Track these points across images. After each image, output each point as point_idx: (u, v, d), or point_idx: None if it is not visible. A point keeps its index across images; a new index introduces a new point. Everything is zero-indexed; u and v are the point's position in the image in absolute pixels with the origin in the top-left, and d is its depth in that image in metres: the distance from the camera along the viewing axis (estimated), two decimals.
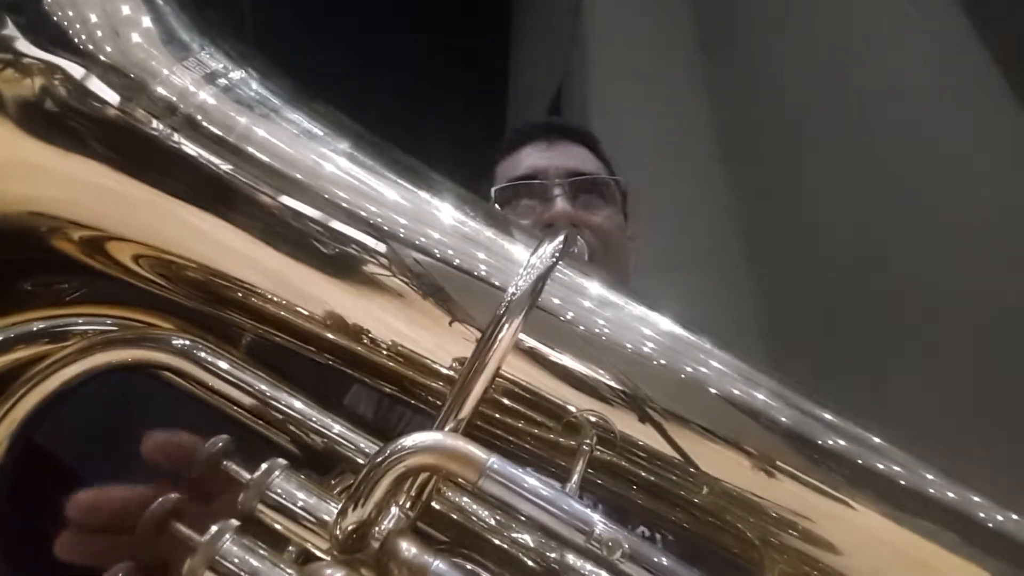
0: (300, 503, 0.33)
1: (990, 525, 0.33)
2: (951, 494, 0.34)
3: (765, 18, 1.98)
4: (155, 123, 0.38)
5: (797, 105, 1.78)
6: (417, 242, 0.38)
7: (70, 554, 0.36)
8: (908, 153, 1.50)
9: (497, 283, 0.37)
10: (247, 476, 0.34)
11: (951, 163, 1.44)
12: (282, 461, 0.35)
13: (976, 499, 0.34)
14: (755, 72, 1.96)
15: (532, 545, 0.33)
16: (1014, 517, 0.33)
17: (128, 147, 0.38)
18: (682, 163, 2.00)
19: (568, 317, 0.37)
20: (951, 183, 1.43)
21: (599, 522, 0.30)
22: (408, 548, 0.31)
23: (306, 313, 0.39)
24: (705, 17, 2.24)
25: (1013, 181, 1.36)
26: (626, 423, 0.36)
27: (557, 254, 0.36)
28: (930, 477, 0.35)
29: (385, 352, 0.38)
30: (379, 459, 0.31)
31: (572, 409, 0.36)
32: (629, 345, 0.37)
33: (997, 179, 1.38)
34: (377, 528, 0.31)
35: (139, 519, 0.35)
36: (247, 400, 0.38)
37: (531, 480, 0.31)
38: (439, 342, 0.37)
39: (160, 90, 0.39)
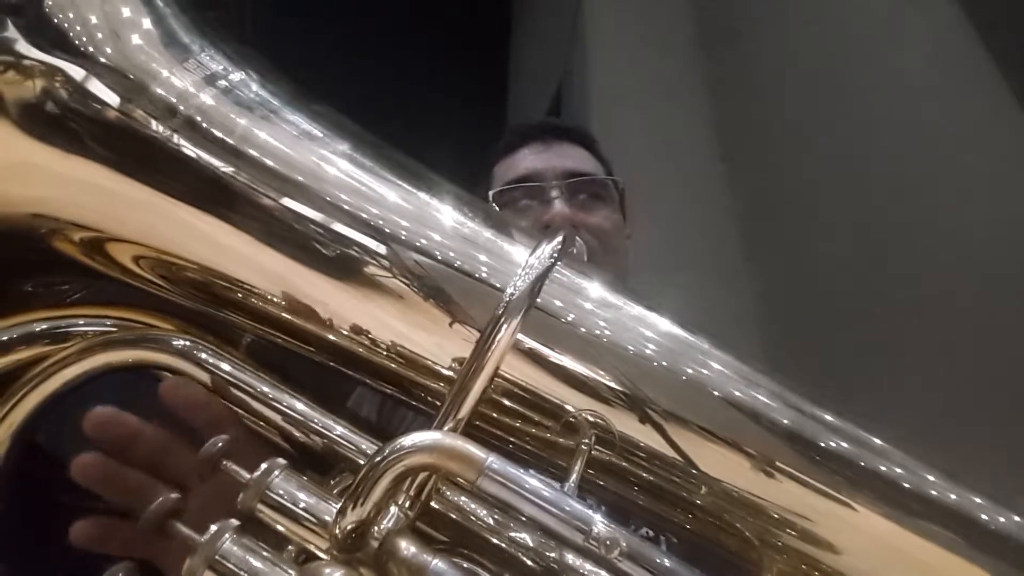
0: (300, 503, 0.33)
1: (991, 526, 0.33)
2: (952, 495, 0.34)
3: (765, 18, 1.98)
4: (155, 125, 0.38)
5: (797, 105, 1.78)
6: (417, 243, 0.38)
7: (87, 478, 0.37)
8: (908, 153, 1.50)
9: (496, 284, 0.37)
10: (246, 476, 0.34)
11: (951, 163, 1.44)
12: (282, 461, 0.35)
13: (977, 500, 0.34)
14: (755, 72, 1.95)
15: (531, 544, 0.33)
16: (1015, 518, 0.34)
17: (129, 149, 0.38)
18: (682, 163, 2.00)
19: (567, 317, 0.37)
20: (951, 183, 1.42)
21: (598, 521, 0.30)
22: (407, 547, 0.31)
23: (306, 314, 0.39)
24: (705, 17, 2.24)
25: (1013, 181, 1.36)
26: (625, 423, 0.36)
27: (556, 254, 0.36)
28: (930, 478, 0.35)
29: (385, 352, 0.38)
30: (378, 459, 0.31)
31: (571, 409, 0.36)
32: (628, 345, 0.37)
33: (997, 179, 1.38)
34: (376, 528, 0.31)
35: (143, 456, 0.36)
36: (247, 400, 0.38)
37: (530, 479, 0.31)
38: (439, 342, 0.38)
39: (160, 92, 0.39)
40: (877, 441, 0.36)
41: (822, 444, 0.35)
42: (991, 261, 1.31)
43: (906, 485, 0.34)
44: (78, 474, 0.37)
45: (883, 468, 0.35)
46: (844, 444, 0.35)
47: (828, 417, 0.36)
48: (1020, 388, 1.16)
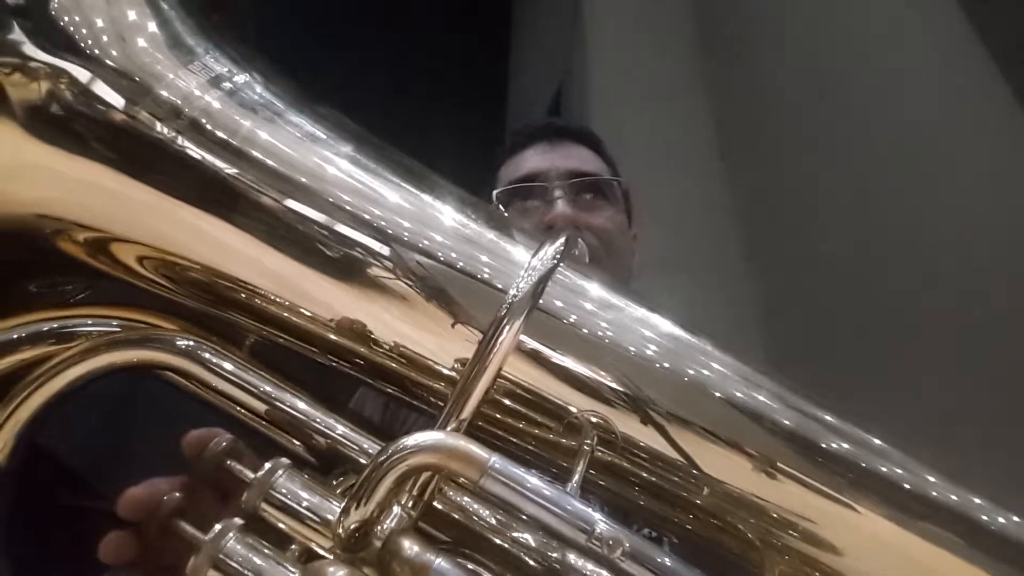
0: (303, 502, 0.34)
1: (991, 527, 0.33)
2: (952, 496, 0.34)
3: (765, 18, 1.98)
4: (160, 126, 0.38)
5: (797, 105, 1.78)
6: (419, 244, 0.38)
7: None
8: (908, 153, 1.50)
9: (499, 285, 0.37)
10: (250, 475, 0.35)
11: (951, 163, 1.44)
12: (285, 460, 0.35)
13: (977, 501, 0.34)
14: (755, 72, 1.95)
15: (533, 544, 0.33)
16: (1015, 519, 0.34)
17: (133, 150, 0.38)
18: (682, 163, 2.00)
19: (569, 319, 0.38)
20: (951, 183, 1.42)
21: (600, 521, 0.30)
22: (410, 547, 0.31)
23: (309, 314, 0.39)
24: (705, 17, 2.24)
25: (1013, 181, 1.36)
26: (627, 424, 0.36)
27: (558, 256, 0.37)
28: (931, 479, 0.35)
29: (388, 353, 0.38)
30: (381, 459, 0.31)
31: (573, 410, 0.36)
32: (630, 347, 0.37)
33: (997, 179, 1.37)
34: (379, 527, 0.32)
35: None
36: (251, 401, 0.39)
37: (532, 479, 0.31)
38: (441, 343, 0.38)
39: (165, 94, 0.39)
40: (877, 442, 0.36)
41: (823, 445, 0.35)
42: (991, 260, 1.31)
43: (906, 486, 0.34)
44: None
45: (884, 469, 0.35)
46: (845, 445, 0.35)
47: (828, 418, 0.36)
48: (1020, 388, 1.16)
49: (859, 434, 0.36)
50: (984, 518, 0.34)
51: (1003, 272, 1.29)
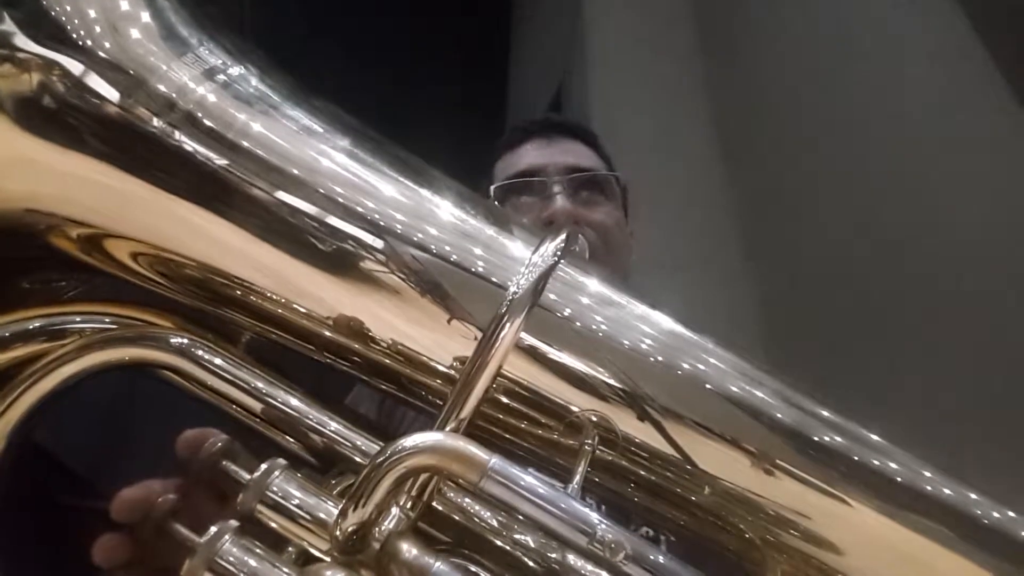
0: (300, 503, 0.33)
1: (987, 523, 0.33)
2: (950, 492, 0.34)
3: (765, 18, 1.98)
4: (154, 119, 0.38)
5: (797, 105, 1.78)
6: (416, 239, 0.38)
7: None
8: (908, 153, 1.50)
9: (497, 281, 0.37)
10: (246, 476, 0.34)
11: (951, 163, 1.44)
12: (282, 461, 0.34)
13: (974, 497, 0.34)
14: (755, 72, 1.95)
15: (534, 546, 0.33)
16: (1011, 514, 0.33)
17: (126, 143, 0.38)
18: (682, 163, 2.00)
19: (570, 316, 0.37)
20: (951, 183, 1.42)
21: (601, 523, 0.30)
22: (409, 549, 0.31)
23: (304, 310, 0.38)
24: (705, 17, 2.24)
25: (1013, 181, 1.36)
26: (628, 423, 0.36)
27: (559, 252, 0.36)
28: (928, 475, 0.35)
29: (383, 350, 0.38)
30: (380, 459, 0.30)
31: (574, 409, 0.36)
32: (631, 344, 0.37)
33: (997, 179, 1.37)
34: (378, 529, 0.31)
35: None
36: (245, 399, 0.38)
37: (533, 482, 0.30)
38: (438, 340, 0.37)
39: (159, 86, 0.38)
40: (876, 439, 0.36)
41: (822, 442, 0.35)
42: (991, 260, 1.31)
43: (904, 482, 0.34)
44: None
45: (882, 465, 0.34)
46: (843, 442, 0.35)
47: (828, 415, 0.36)
48: (1020, 388, 1.16)
49: (858, 431, 0.36)
50: (981, 514, 0.33)
51: (1003, 272, 1.29)
